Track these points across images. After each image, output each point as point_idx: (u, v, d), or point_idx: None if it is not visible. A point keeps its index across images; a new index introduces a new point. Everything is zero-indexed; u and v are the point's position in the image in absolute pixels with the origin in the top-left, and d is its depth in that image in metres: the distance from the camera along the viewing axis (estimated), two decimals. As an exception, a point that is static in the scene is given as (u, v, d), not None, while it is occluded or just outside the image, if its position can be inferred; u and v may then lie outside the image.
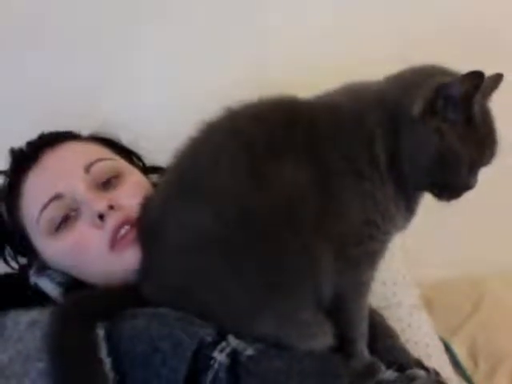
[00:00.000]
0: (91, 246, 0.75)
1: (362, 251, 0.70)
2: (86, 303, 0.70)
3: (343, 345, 0.71)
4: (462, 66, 0.69)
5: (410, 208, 0.73)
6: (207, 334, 0.65)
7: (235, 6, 0.98)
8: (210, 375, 0.63)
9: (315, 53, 1.01)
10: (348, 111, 0.70)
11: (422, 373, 0.74)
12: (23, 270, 0.83)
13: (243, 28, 0.99)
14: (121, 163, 0.83)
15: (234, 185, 0.66)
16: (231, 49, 0.99)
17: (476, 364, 1.00)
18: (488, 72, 0.67)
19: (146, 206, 0.75)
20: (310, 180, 0.67)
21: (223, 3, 0.98)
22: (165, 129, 0.95)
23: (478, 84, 0.65)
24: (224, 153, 0.68)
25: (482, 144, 0.69)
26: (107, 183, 0.79)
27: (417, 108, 0.68)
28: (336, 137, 0.69)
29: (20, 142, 0.83)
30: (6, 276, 0.83)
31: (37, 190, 0.78)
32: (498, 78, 0.73)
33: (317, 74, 0.94)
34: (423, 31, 1.00)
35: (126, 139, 0.90)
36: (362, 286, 0.72)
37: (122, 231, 0.74)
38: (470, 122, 0.67)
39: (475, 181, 0.71)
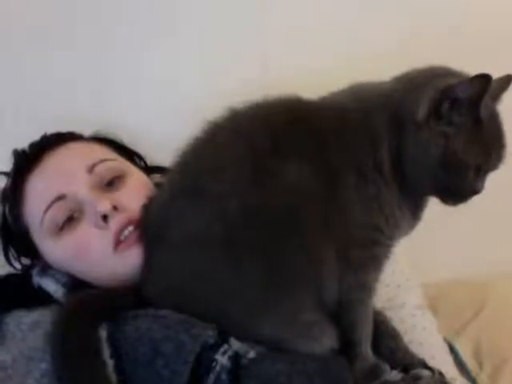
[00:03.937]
0: (94, 247, 0.75)
1: (365, 255, 0.69)
2: (88, 304, 0.70)
3: (347, 347, 0.71)
4: (464, 67, 0.68)
5: (415, 213, 0.72)
6: (209, 336, 0.65)
7: (236, 7, 0.98)
8: (212, 377, 0.63)
9: (315, 53, 1.00)
10: (353, 112, 0.69)
11: (426, 373, 0.73)
12: (26, 270, 0.83)
13: (243, 28, 0.99)
14: (123, 164, 0.83)
15: (238, 185, 0.66)
16: (231, 49, 0.99)
17: (480, 365, 0.99)
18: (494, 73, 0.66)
19: (149, 206, 0.75)
20: (313, 181, 0.66)
21: (224, 3, 0.98)
22: (166, 130, 0.95)
23: (486, 87, 0.63)
24: (228, 153, 0.67)
25: (489, 148, 0.67)
26: (110, 184, 0.79)
27: (422, 111, 0.67)
28: (340, 138, 0.68)
29: (22, 144, 0.83)
30: (9, 276, 0.83)
31: (40, 191, 0.78)
32: (507, 80, 0.72)
33: (317, 74, 0.93)
34: (424, 31, 0.99)
35: (127, 140, 0.89)
36: (366, 289, 0.72)
37: (126, 232, 0.74)
38: (477, 125, 0.66)
39: (482, 185, 0.69)
